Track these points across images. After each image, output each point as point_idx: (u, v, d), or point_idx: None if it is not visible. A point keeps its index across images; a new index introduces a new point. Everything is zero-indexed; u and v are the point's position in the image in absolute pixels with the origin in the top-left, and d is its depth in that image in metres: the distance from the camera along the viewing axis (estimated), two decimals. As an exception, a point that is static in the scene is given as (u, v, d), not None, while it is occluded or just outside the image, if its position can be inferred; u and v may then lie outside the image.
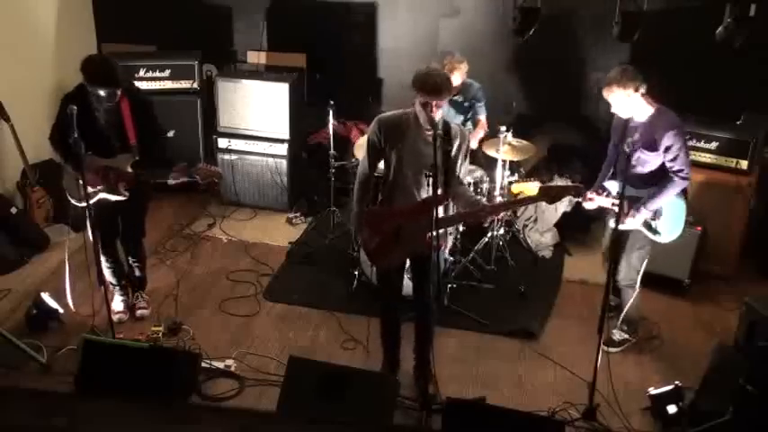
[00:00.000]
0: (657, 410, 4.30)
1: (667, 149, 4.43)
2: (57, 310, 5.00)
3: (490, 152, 5.64)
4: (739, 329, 4.59)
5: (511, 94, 6.69)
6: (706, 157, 5.66)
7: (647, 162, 4.53)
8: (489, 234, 5.76)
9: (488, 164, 5.76)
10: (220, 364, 4.65)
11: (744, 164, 5.56)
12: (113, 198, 4.73)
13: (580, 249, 6.20)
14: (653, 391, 4.34)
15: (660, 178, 4.53)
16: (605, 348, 4.65)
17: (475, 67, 5.96)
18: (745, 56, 5.70)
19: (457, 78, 5.62)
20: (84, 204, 4.50)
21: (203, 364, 4.55)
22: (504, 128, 5.51)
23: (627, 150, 4.30)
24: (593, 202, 4.59)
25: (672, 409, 4.23)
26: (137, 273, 5.27)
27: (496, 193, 5.60)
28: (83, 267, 5.00)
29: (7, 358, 4.56)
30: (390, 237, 4.14)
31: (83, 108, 4.39)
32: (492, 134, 5.76)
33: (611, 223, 4.60)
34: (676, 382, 4.31)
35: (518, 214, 6.36)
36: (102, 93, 4.52)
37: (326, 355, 4.68)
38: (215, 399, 4.39)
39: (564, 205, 6.21)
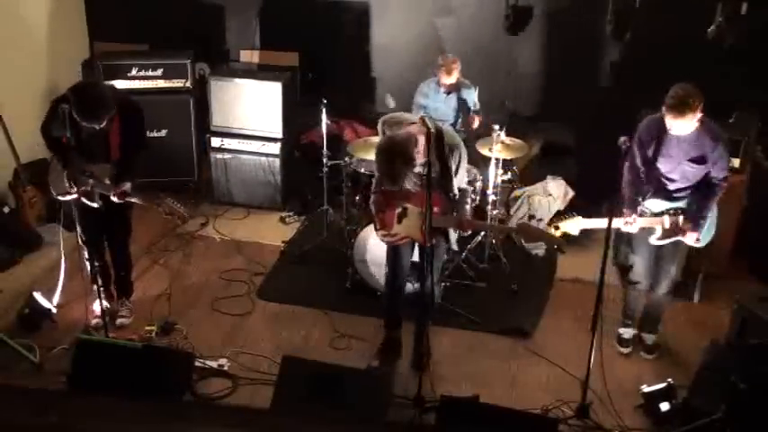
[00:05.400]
0: (650, 408, 4.31)
1: (715, 161, 4.41)
2: (49, 310, 4.99)
3: (483, 151, 5.66)
4: (731, 327, 4.60)
5: (504, 93, 6.68)
6: (698, 156, 5.67)
7: (691, 174, 4.45)
8: (482, 233, 5.76)
9: (481, 162, 5.77)
10: (213, 364, 4.65)
11: (736, 162, 5.56)
12: (90, 204, 4.61)
13: (573, 248, 6.15)
14: (646, 388, 4.36)
15: (695, 188, 4.51)
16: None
17: (468, 65, 5.97)
18: (737, 54, 5.71)
19: (453, 77, 5.87)
20: (65, 198, 4.54)
21: (196, 364, 4.54)
22: (497, 126, 5.52)
23: (662, 166, 4.35)
24: (636, 224, 4.50)
25: (664, 406, 4.25)
26: (122, 273, 5.11)
27: (489, 191, 5.61)
28: (77, 266, 4.99)
29: (-1, 358, 4.55)
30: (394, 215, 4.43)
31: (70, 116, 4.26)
32: (485, 133, 5.77)
33: (654, 240, 4.56)
34: (669, 380, 4.33)
35: (511, 213, 6.37)
36: (85, 124, 4.36)
37: (319, 354, 4.68)
38: (208, 398, 4.38)
39: (558, 203, 6.22)
